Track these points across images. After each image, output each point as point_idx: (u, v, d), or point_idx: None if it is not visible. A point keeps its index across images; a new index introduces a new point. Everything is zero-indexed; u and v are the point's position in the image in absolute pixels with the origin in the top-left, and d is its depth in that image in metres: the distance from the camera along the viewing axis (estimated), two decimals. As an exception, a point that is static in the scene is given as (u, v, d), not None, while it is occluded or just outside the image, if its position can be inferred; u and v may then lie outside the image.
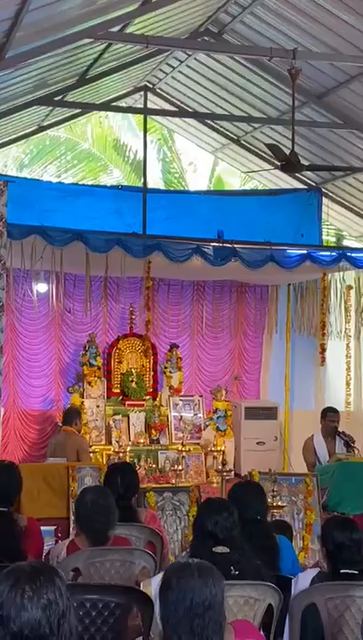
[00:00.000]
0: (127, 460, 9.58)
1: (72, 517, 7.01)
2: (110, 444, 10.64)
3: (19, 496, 5.05)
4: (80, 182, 16.50)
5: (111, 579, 4.42)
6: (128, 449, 10.20)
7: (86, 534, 4.53)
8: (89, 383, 11.17)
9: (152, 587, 3.77)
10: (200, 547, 4.00)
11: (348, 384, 12.22)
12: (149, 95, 12.38)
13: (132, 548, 4.74)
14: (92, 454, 10.05)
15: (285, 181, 13.41)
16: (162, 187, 17.34)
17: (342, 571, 4.10)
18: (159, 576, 2.94)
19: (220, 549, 3.90)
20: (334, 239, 14.98)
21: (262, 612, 3.87)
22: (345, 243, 14.54)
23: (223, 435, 11.26)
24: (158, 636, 2.78)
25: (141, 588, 3.97)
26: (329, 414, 9.49)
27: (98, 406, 11.11)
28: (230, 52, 10.24)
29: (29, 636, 2.10)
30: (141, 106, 12.27)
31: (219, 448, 10.58)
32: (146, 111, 12.13)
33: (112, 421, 11.02)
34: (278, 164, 9.42)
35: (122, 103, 12.99)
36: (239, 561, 3.91)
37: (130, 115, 17.34)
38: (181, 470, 9.57)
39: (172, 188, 17.32)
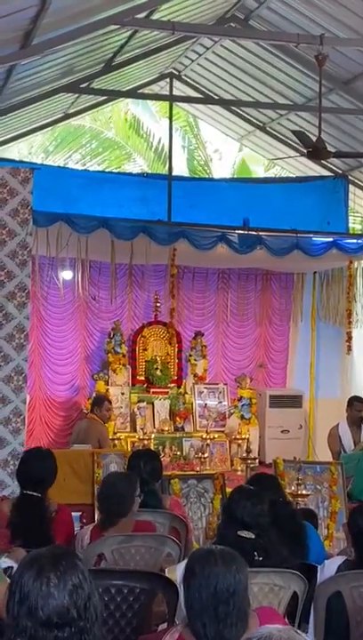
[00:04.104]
0: (152, 447, 9.61)
1: (97, 504, 7.08)
2: (135, 431, 10.67)
3: (53, 483, 5.08)
4: (105, 170, 16.49)
5: (136, 565, 4.44)
6: (153, 436, 10.22)
7: (101, 514, 4.64)
8: (114, 370, 11.20)
9: (177, 573, 3.77)
10: (226, 530, 4.01)
11: (374, 373, 12.17)
12: (175, 82, 12.34)
13: (157, 535, 4.76)
14: (116, 441, 10.08)
15: (310, 168, 13.34)
16: (186, 174, 17.29)
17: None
18: (184, 563, 2.94)
19: (245, 533, 3.90)
20: (360, 227, 14.86)
21: (287, 599, 3.87)
22: (372, 231, 14.43)
23: (248, 423, 11.26)
24: (183, 622, 2.79)
25: (166, 575, 3.98)
26: (355, 403, 9.44)
27: (123, 393, 11.14)
28: (257, 38, 10.16)
29: (58, 623, 2.09)
30: (167, 93, 12.24)
31: (243, 436, 10.59)
32: (172, 98, 12.10)
33: (137, 409, 11.05)
34: (305, 151, 9.36)
35: (147, 90, 12.96)
36: (265, 548, 3.91)
37: (151, 102, 17.29)
38: (205, 458, 9.58)
39: (197, 176, 17.27)
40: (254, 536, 3.88)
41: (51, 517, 4.82)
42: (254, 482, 5.16)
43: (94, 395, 10.74)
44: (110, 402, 10.37)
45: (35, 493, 4.85)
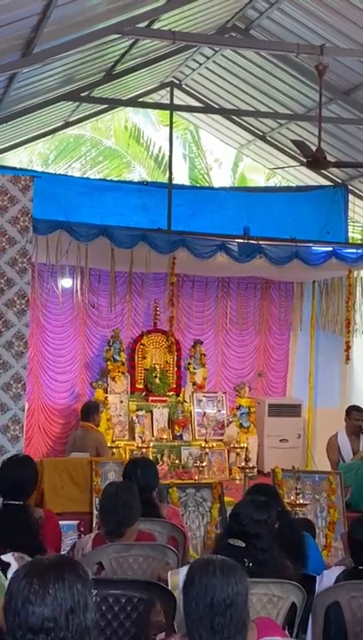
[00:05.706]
0: (150, 455, 9.59)
1: (95, 512, 7.07)
2: (134, 439, 10.65)
3: (35, 490, 5.03)
4: (105, 178, 16.51)
5: (134, 574, 4.43)
6: (151, 444, 10.20)
7: (103, 526, 4.59)
8: (113, 378, 11.20)
9: (179, 577, 3.76)
10: (221, 538, 4.01)
11: (373, 382, 12.16)
12: (176, 91, 12.37)
13: (155, 544, 4.75)
14: (115, 449, 10.05)
15: (310, 178, 13.36)
16: (187, 183, 17.32)
17: (359, 567, 4.09)
18: (186, 567, 2.92)
19: (233, 541, 3.87)
20: (360, 236, 14.89)
21: (286, 610, 3.86)
22: (371, 240, 14.44)
23: (246, 431, 11.25)
24: (181, 631, 2.77)
25: (169, 578, 3.98)
26: (354, 413, 9.44)
27: (121, 401, 11.13)
28: (258, 48, 10.19)
29: (34, 629, 2.12)
30: (168, 102, 12.26)
31: (242, 445, 10.55)
32: (172, 107, 12.12)
33: (135, 417, 11.04)
34: (305, 160, 9.38)
35: (148, 99, 12.99)
36: (256, 556, 3.86)
37: (151, 111, 17.31)
38: (204, 466, 9.56)
39: (197, 184, 17.30)
40: (243, 544, 3.85)
41: (38, 524, 4.78)
42: (252, 491, 5.15)
43: (85, 403, 10.56)
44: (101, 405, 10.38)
45: (16, 502, 4.79)
